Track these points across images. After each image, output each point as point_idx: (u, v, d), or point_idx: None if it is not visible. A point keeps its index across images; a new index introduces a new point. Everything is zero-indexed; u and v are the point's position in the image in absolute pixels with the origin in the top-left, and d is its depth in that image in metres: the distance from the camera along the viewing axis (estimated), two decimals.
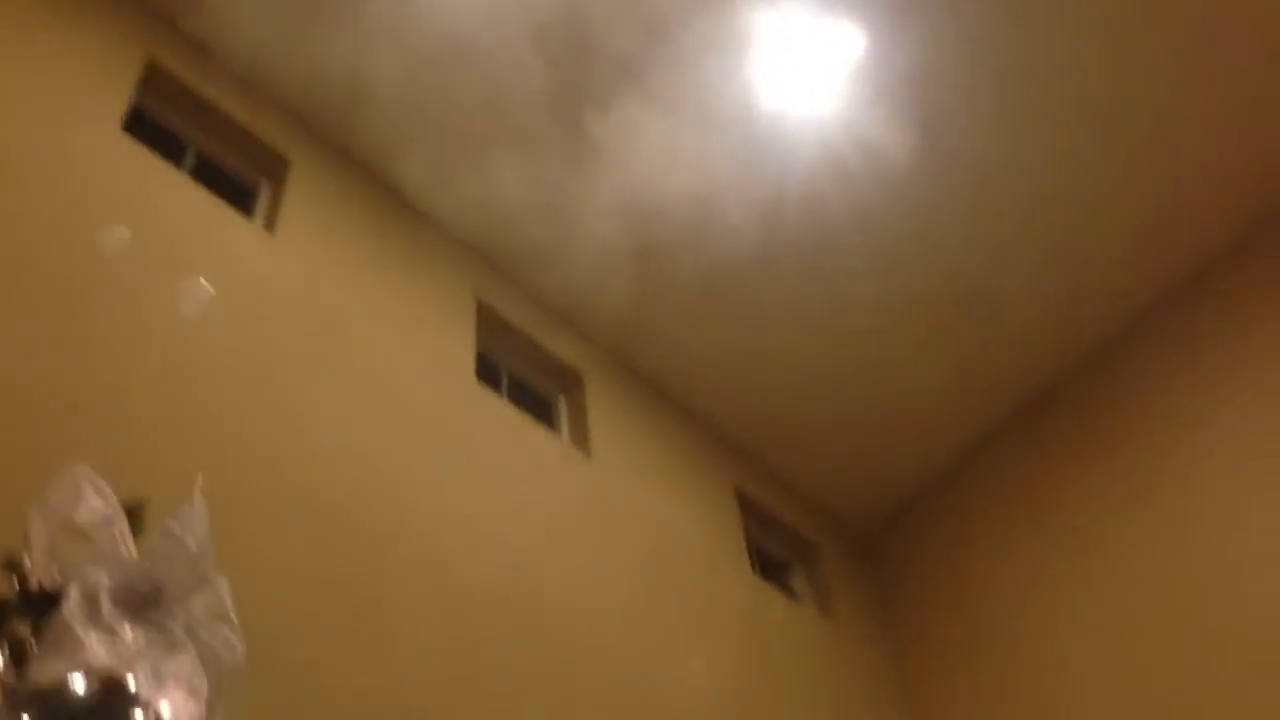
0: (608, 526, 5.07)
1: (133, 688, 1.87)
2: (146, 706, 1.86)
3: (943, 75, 5.26)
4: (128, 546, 2.26)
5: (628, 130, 5.23)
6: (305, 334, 4.40)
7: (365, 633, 3.58)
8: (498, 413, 5.05)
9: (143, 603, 2.20)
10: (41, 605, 1.99)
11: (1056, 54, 5.24)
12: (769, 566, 6.04)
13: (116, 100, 4.44)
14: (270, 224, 4.75)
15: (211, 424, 3.68)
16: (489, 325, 5.42)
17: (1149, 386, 5.75)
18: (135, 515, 2.32)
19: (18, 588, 2.05)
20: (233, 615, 2.39)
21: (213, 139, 4.95)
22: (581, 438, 5.43)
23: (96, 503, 2.26)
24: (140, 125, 4.59)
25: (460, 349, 5.09)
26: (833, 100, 5.28)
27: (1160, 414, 5.63)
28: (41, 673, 1.84)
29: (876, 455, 6.35)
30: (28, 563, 2.03)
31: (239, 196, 4.82)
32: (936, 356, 6.00)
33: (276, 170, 5.02)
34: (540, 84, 5.18)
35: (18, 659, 1.93)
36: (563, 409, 5.63)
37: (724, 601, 5.35)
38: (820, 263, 5.67)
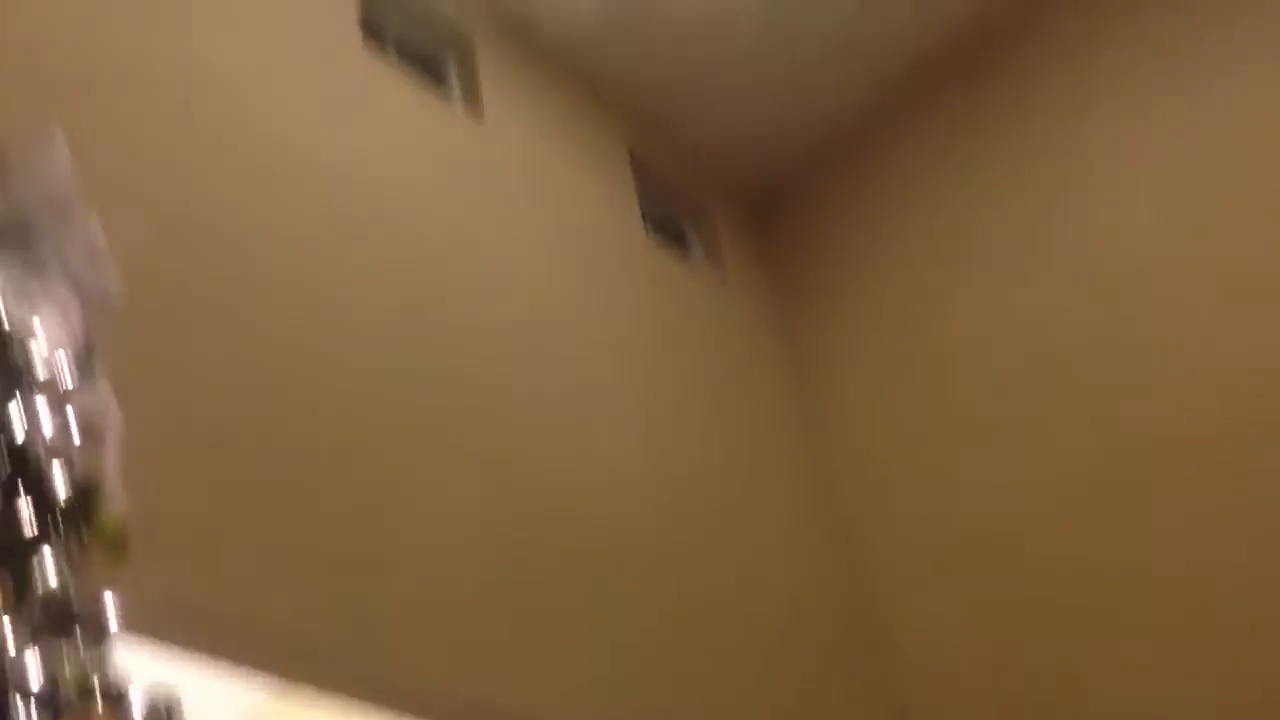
0: (502, 190, 5.15)
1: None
2: (14, 318, 1.96)
3: None
4: None
5: None
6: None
7: (241, 277, 3.69)
8: (386, 75, 4.99)
9: (10, 241, 2.27)
10: None
11: None
12: (663, 230, 6.20)
13: None
14: None
15: (75, 76, 3.62)
16: None
17: (1042, 58, 5.82)
18: None
19: None
20: (106, 254, 2.47)
21: None
22: (474, 102, 5.41)
23: None
24: None
25: (344, 8, 4.96)
26: None
27: (1051, 88, 5.73)
28: None
29: (771, 122, 6.40)
30: None
31: None
32: (831, 26, 5.95)
33: None
34: None
35: None
36: (453, 73, 5.57)
37: (617, 261, 5.53)
38: None
